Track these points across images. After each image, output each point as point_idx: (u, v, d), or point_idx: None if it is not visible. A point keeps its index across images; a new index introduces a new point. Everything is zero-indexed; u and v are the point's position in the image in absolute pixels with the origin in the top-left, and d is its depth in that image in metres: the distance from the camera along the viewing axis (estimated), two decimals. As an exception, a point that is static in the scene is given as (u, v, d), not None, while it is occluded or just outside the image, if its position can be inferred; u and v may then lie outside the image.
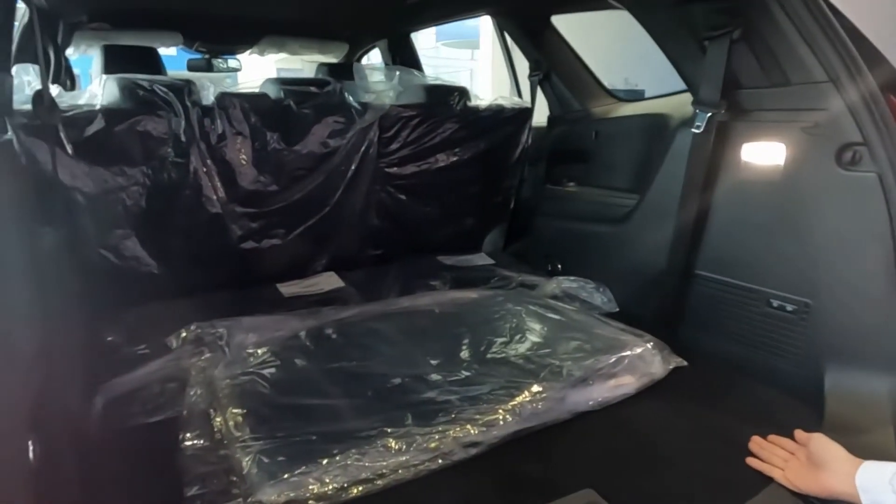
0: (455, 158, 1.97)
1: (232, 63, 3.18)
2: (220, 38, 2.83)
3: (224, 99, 1.61)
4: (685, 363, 1.28)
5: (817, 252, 1.19)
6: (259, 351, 1.28)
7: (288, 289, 1.76)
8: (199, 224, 1.61)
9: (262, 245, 1.72)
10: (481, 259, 2.11)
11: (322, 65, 2.85)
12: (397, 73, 1.94)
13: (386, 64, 3.03)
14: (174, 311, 1.52)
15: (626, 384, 1.21)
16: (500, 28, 2.21)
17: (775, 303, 1.27)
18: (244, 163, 1.64)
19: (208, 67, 3.00)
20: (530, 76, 2.11)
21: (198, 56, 2.98)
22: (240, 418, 1.06)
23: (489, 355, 1.30)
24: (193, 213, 1.60)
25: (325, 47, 3.15)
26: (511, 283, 1.82)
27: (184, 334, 1.36)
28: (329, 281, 1.81)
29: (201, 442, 1.02)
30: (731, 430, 1.10)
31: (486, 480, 0.97)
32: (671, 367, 1.27)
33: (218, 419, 1.08)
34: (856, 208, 1.13)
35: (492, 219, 2.22)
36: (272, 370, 1.21)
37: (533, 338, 1.35)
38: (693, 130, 1.35)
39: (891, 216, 1.09)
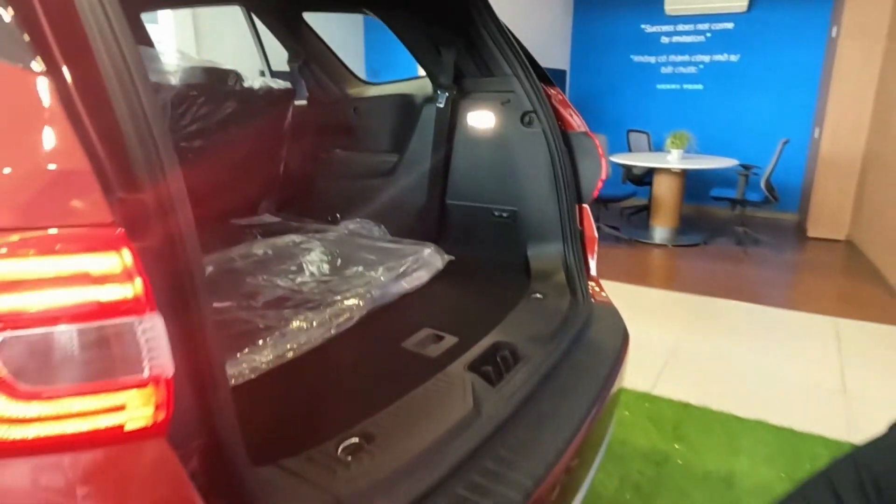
0: (236, 132, 2.28)
1: None
2: None
3: None
4: (454, 258, 1.96)
5: (517, 179, 1.96)
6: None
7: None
8: None
9: None
10: (270, 218, 2.47)
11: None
12: (178, 55, 2.14)
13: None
14: None
15: (422, 275, 1.83)
16: (252, 17, 2.54)
17: (497, 213, 2.03)
18: None
19: None
20: (289, 62, 2.51)
21: None
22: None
23: (331, 273, 1.76)
24: None
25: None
26: (306, 230, 2.26)
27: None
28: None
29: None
30: (490, 290, 1.81)
31: (366, 336, 1.48)
32: (447, 261, 1.93)
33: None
34: (534, 151, 1.91)
35: (269, 184, 2.58)
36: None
37: (356, 258, 1.86)
38: (437, 105, 2.00)
39: (551, 155, 1.89)
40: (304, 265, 1.78)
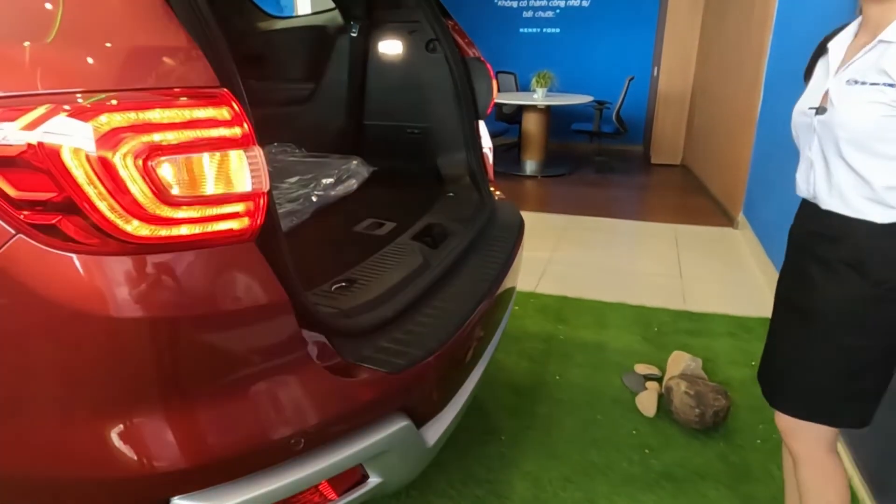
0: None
1: None
2: None
3: None
4: (377, 168, 2.26)
5: (427, 98, 2.27)
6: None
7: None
8: None
9: None
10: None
11: None
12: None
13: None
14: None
15: (353, 183, 2.12)
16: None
17: (409, 130, 2.35)
18: None
19: None
20: (192, -5, 2.57)
21: None
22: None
23: (276, 181, 1.99)
24: None
25: None
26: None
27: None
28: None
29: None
30: (411, 192, 2.14)
31: (321, 226, 1.77)
32: (371, 171, 2.23)
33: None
34: (438, 74, 2.21)
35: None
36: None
37: (294, 170, 2.10)
38: (351, 35, 2.25)
39: (452, 78, 2.21)
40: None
